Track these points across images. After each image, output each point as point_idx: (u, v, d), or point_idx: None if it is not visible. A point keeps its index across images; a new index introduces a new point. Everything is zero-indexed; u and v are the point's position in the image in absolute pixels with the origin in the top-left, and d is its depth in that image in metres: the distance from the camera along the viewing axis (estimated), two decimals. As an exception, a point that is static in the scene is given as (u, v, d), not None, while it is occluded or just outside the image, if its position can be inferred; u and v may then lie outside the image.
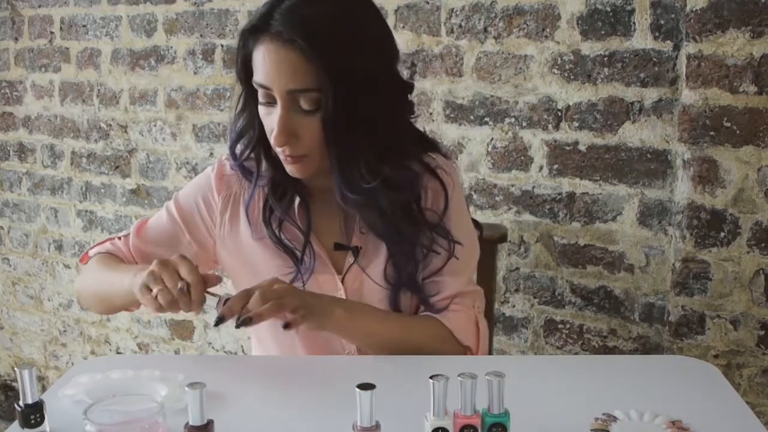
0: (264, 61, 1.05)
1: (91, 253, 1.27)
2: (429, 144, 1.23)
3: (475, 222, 1.32)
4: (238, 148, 1.18)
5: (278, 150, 1.10)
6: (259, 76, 1.06)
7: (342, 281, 1.19)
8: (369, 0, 1.13)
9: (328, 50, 1.02)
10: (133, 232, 1.27)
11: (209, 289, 1.02)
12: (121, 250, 1.26)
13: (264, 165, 1.17)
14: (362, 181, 1.09)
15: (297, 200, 1.18)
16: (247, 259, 1.22)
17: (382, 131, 1.09)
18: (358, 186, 1.09)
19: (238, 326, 0.99)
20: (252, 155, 1.17)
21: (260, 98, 1.09)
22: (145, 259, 1.23)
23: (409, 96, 1.18)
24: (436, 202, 1.18)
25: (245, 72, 1.10)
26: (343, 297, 1.19)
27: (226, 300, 1.02)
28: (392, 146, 1.12)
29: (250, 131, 1.15)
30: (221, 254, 1.25)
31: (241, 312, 1.00)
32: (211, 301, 1.02)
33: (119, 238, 1.28)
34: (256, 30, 1.06)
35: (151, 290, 1.01)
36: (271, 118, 1.08)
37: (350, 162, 1.09)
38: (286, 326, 1.02)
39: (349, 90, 1.03)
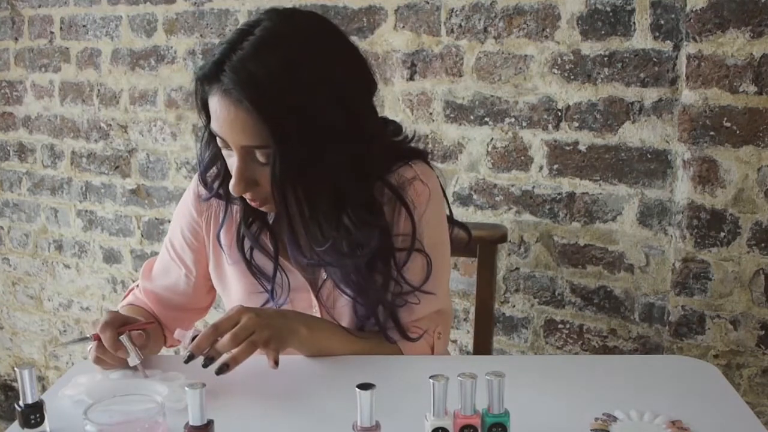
0: (217, 115, 1.03)
1: (119, 308, 1.29)
2: (410, 155, 1.17)
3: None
4: (208, 176, 1.18)
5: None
6: (215, 126, 1.04)
7: (316, 297, 1.19)
8: (332, 34, 1.08)
9: (277, 110, 0.98)
10: (141, 277, 1.30)
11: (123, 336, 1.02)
12: (139, 298, 1.29)
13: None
14: (315, 243, 1.07)
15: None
16: (225, 278, 1.24)
17: (344, 178, 1.05)
18: (309, 251, 1.08)
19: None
20: (221, 187, 1.15)
21: (219, 143, 1.07)
22: (156, 299, 1.28)
23: (384, 127, 1.14)
24: (408, 217, 1.13)
25: (206, 114, 1.08)
26: (318, 312, 1.19)
27: (194, 337, 1.01)
28: (358, 192, 1.07)
29: (218, 162, 1.14)
30: (210, 273, 1.26)
31: (210, 349, 0.98)
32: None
33: (137, 285, 1.31)
34: (208, 80, 1.03)
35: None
36: (231, 161, 1.07)
37: (303, 222, 1.06)
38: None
39: (303, 145, 1.00)
